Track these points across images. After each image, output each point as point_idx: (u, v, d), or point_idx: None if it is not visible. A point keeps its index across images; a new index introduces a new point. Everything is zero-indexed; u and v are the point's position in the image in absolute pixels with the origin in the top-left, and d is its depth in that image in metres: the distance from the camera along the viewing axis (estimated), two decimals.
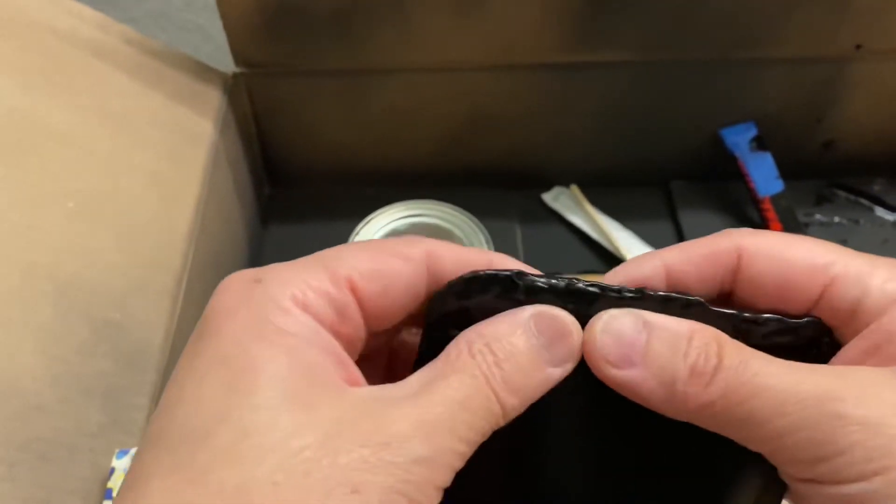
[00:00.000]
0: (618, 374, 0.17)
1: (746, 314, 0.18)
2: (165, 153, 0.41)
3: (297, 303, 0.16)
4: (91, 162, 0.37)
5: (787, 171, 0.53)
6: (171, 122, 0.43)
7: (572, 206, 0.55)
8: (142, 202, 0.38)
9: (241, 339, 0.16)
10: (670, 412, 0.17)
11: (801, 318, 0.18)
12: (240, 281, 0.17)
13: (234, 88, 0.49)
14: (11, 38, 0.38)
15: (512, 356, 0.16)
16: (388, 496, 0.14)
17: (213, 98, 0.47)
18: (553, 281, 0.18)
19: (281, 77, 0.49)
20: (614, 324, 0.17)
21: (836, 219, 0.55)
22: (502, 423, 0.16)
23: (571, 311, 0.17)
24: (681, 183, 0.56)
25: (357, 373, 0.17)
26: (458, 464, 0.16)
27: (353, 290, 0.17)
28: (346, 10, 0.44)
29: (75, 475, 0.29)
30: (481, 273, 0.18)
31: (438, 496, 0.15)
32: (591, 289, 0.18)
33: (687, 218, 0.54)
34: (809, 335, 0.18)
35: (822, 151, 0.56)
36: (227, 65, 0.48)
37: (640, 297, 0.17)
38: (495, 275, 0.18)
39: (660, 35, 0.47)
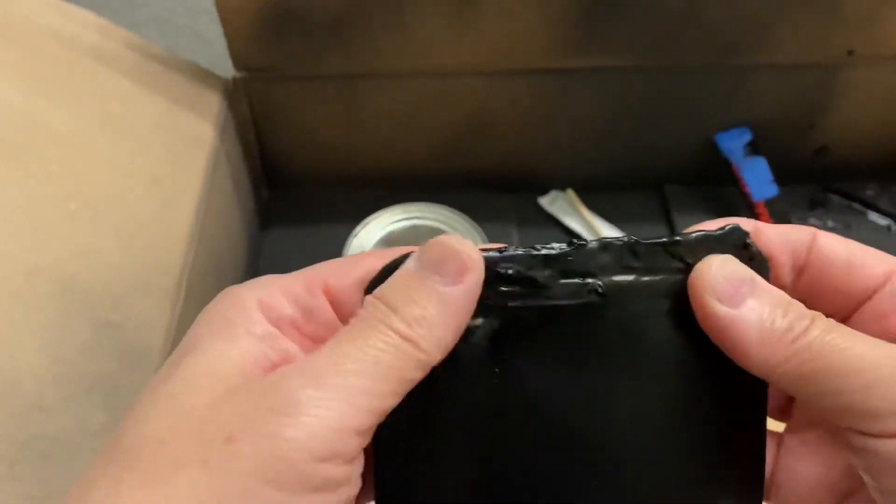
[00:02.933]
0: (721, 309, 0.18)
1: (675, 237, 0.19)
2: (166, 156, 0.42)
3: (262, 304, 0.18)
4: (93, 165, 0.38)
5: (781, 175, 0.53)
6: (171, 126, 0.44)
7: (568, 209, 0.55)
8: (142, 204, 0.39)
9: (200, 332, 0.18)
10: (757, 358, 0.18)
11: (722, 228, 0.19)
12: (229, 289, 0.19)
13: (233, 93, 0.49)
14: (14, 42, 0.39)
15: (400, 286, 0.17)
16: (260, 441, 0.15)
17: (213, 102, 0.47)
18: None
19: (280, 81, 0.50)
20: (729, 266, 0.18)
21: (830, 223, 0.55)
22: (420, 354, 0.17)
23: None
24: (675, 187, 0.57)
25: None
26: (368, 401, 0.16)
27: (327, 292, 0.19)
28: (345, 15, 0.45)
29: (77, 473, 0.29)
30: (399, 257, 0.19)
31: (351, 440, 0.16)
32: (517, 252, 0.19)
33: (682, 222, 0.55)
34: (734, 241, 0.19)
35: (815, 156, 0.56)
36: (227, 69, 0.49)
37: (578, 247, 0.19)
38: (408, 254, 0.19)
39: (655, 41, 0.47)
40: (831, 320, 0.18)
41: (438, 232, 0.44)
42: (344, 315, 0.19)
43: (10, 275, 0.31)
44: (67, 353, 0.31)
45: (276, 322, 0.18)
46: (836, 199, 0.57)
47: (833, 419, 0.18)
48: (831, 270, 0.19)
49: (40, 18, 0.41)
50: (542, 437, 0.19)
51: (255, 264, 0.53)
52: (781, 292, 0.18)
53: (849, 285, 0.19)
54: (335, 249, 0.43)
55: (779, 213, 0.52)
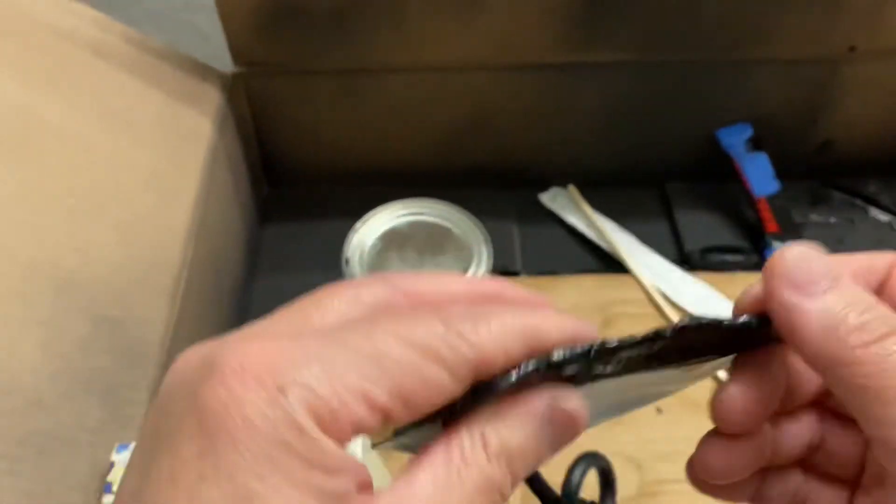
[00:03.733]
0: (792, 297, 0.17)
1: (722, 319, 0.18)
2: (165, 152, 0.42)
3: (317, 418, 0.14)
4: (91, 160, 0.38)
5: (783, 171, 0.53)
6: (170, 121, 0.43)
7: (569, 206, 0.55)
8: (141, 200, 0.39)
9: (256, 476, 0.13)
10: (814, 352, 0.17)
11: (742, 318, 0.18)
12: (253, 380, 0.14)
13: (232, 88, 0.49)
14: (13, 37, 0.39)
15: (515, 446, 0.16)
16: None
17: (212, 97, 0.47)
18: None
19: (279, 76, 0.49)
20: (810, 256, 0.17)
21: (832, 219, 0.55)
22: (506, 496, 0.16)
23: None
24: (677, 183, 0.56)
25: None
26: None
27: (384, 413, 0.15)
28: (345, 9, 0.45)
29: (75, 470, 0.29)
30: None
31: None
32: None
33: (683, 218, 0.54)
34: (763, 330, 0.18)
35: (817, 152, 0.56)
36: (226, 64, 0.48)
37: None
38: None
39: (656, 36, 0.47)
40: None
41: (439, 228, 0.43)
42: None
43: (8, 270, 0.31)
44: (65, 349, 0.31)
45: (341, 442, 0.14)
46: (838, 195, 0.57)
47: (875, 450, 0.17)
48: None
49: (38, 13, 0.40)
50: None
51: (255, 260, 0.53)
52: (867, 293, 0.17)
53: None
54: (335, 245, 0.43)
55: (781, 210, 0.52)
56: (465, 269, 0.40)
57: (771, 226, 0.52)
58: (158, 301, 0.36)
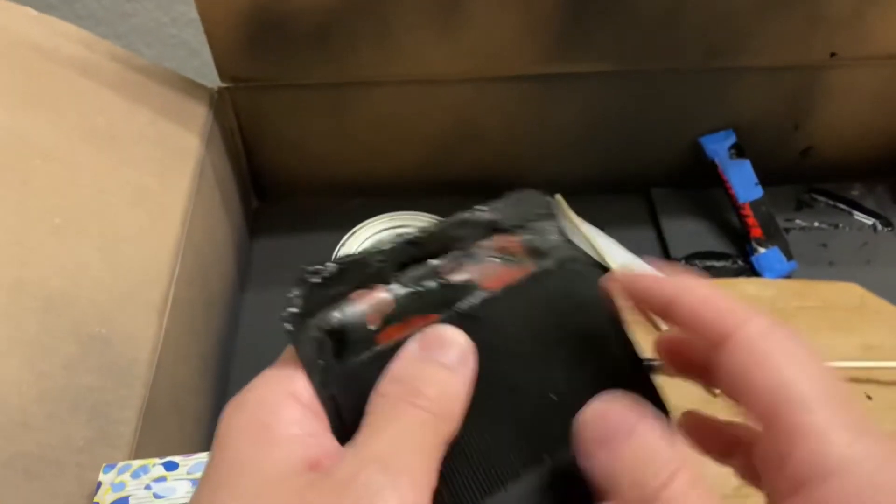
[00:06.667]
0: (598, 455, 0.18)
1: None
2: (152, 168, 0.42)
3: (293, 396, 0.18)
4: (77, 178, 0.38)
5: (767, 177, 0.53)
6: (157, 138, 0.44)
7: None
8: (128, 217, 0.39)
9: (237, 443, 0.18)
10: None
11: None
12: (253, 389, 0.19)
13: (219, 103, 0.49)
14: None
15: (410, 368, 0.19)
16: None
17: (199, 113, 0.47)
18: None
19: (266, 91, 0.50)
20: (603, 410, 0.18)
21: (816, 223, 0.56)
22: (450, 428, 0.18)
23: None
24: (662, 190, 0.57)
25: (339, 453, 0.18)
26: (429, 479, 0.17)
27: None
28: (329, 24, 0.45)
29: (62, 490, 0.29)
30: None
31: None
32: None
33: (668, 224, 0.55)
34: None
35: (800, 157, 0.56)
36: (213, 80, 0.49)
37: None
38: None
39: (638, 45, 0.48)
40: (697, 476, 0.17)
41: None
42: None
43: None
44: (52, 368, 0.31)
45: (312, 410, 0.19)
46: (821, 199, 0.57)
47: None
48: (687, 326, 0.20)
49: (22, 31, 0.41)
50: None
51: (244, 274, 0.53)
52: (656, 443, 0.17)
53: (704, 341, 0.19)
54: (323, 258, 0.43)
55: (765, 215, 0.53)
56: None
57: (755, 231, 0.52)
58: (146, 318, 0.36)
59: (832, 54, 0.49)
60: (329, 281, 0.20)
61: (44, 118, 0.38)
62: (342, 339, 0.19)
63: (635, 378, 0.20)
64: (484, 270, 0.21)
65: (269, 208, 0.57)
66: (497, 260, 0.22)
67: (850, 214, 0.56)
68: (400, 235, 0.21)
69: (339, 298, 0.20)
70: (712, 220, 0.55)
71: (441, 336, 0.19)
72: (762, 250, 0.52)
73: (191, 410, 0.41)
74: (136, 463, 0.30)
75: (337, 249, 0.43)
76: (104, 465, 0.30)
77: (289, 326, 0.19)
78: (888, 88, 0.52)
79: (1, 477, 0.27)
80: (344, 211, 0.50)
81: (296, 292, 0.19)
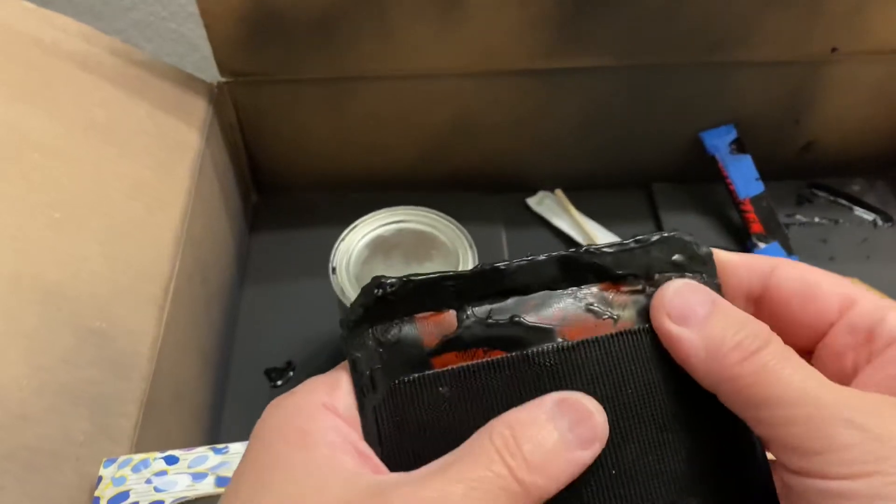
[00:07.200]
0: (673, 328, 0.19)
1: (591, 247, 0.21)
2: (151, 163, 0.42)
3: (327, 407, 0.18)
4: (77, 172, 0.38)
5: (768, 172, 0.53)
6: (156, 132, 0.43)
7: (557, 210, 0.55)
8: (128, 211, 0.39)
9: (276, 448, 0.18)
10: (701, 373, 0.18)
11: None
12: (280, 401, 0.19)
13: (219, 98, 0.49)
14: None
15: (532, 437, 0.17)
16: None
17: (199, 107, 0.47)
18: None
19: (266, 86, 0.49)
20: (686, 290, 0.19)
21: (817, 219, 0.56)
22: (530, 501, 0.17)
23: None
24: (662, 185, 0.57)
25: (379, 464, 0.18)
26: None
27: None
28: (329, 18, 0.45)
29: (62, 484, 0.29)
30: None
31: None
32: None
33: (669, 220, 0.55)
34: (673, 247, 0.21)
35: (801, 153, 0.56)
36: (212, 74, 0.48)
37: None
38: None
39: (638, 40, 0.48)
40: (788, 349, 0.18)
41: (425, 235, 0.44)
42: None
43: None
44: (51, 362, 0.31)
45: (348, 421, 0.19)
46: (822, 194, 0.57)
47: (767, 448, 0.18)
48: (787, 304, 0.20)
49: (21, 25, 0.41)
50: None
51: (244, 269, 0.53)
52: (740, 312, 0.19)
53: (804, 320, 0.20)
54: (324, 253, 0.43)
55: (765, 210, 0.53)
56: None
57: (756, 226, 0.52)
58: (146, 312, 0.36)
59: (833, 49, 0.49)
60: (394, 295, 0.19)
61: (43, 112, 0.38)
62: (395, 355, 0.19)
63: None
64: (568, 317, 0.20)
65: (268, 202, 0.57)
66: (590, 309, 0.20)
67: (851, 210, 0.56)
68: (485, 263, 0.20)
69: (403, 315, 0.19)
70: (713, 215, 0.55)
71: (584, 409, 0.18)
72: (762, 245, 0.52)
73: (191, 404, 0.41)
74: (137, 457, 0.30)
75: (336, 244, 0.43)
76: (105, 459, 0.30)
77: (344, 333, 0.19)
78: (889, 83, 0.52)
79: (2, 469, 0.27)
80: (343, 205, 0.50)
81: (359, 301, 0.19)
